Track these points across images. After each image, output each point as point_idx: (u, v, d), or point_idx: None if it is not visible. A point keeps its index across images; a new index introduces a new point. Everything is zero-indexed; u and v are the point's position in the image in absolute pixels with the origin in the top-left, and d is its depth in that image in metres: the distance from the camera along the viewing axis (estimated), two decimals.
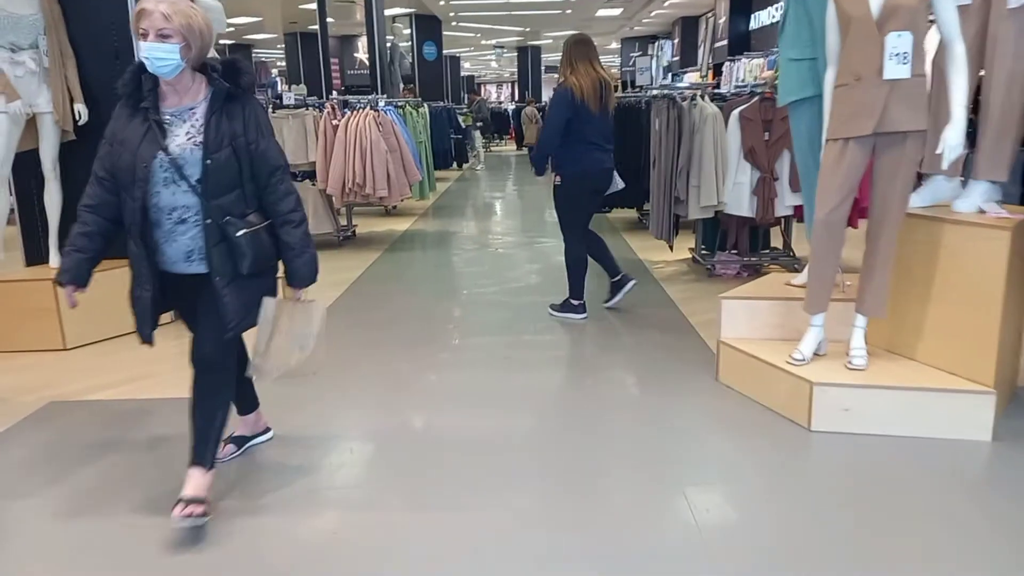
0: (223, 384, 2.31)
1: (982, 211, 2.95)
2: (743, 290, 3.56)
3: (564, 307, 4.45)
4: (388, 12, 14.69)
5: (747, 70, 11.60)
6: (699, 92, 5.25)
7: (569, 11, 17.97)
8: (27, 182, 4.27)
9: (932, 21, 2.77)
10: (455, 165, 13.62)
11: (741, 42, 14.20)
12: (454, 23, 19.30)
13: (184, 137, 2.13)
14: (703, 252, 5.57)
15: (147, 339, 2.29)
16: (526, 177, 4.34)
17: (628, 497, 2.42)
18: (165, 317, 2.42)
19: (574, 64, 4.13)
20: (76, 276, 2.20)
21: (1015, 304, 2.88)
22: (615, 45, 26.25)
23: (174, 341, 3.27)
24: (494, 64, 32.74)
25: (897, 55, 2.65)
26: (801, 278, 3.45)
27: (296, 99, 7.04)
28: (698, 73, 14.06)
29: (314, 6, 12.82)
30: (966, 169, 3.11)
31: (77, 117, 4.07)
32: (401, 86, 13.15)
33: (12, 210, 4.26)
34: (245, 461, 2.69)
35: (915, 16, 2.65)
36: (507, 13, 18.13)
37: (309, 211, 6.53)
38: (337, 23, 18.15)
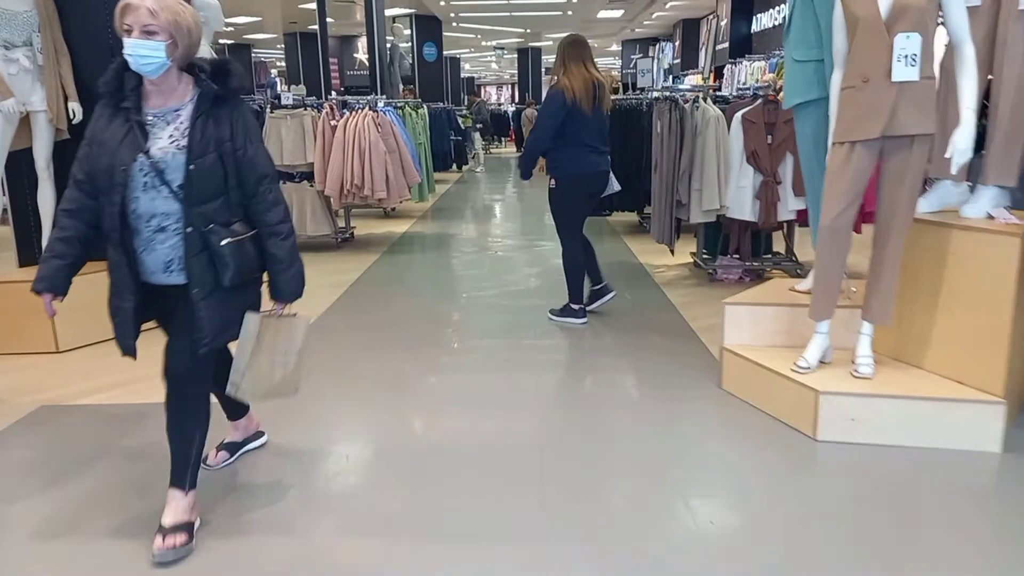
0: (198, 401, 2.19)
1: (991, 217, 2.89)
2: (747, 296, 3.50)
3: (564, 312, 4.39)
4: (388, 12, 14.65)
5: (748, 73, 11.56)
6: (701, 94, 5.20)
7: (570, 12, 17.94)
8: (20, 182, 4.21)
9: (941, 23, 2.72)
10: (455, 167, 13.56)
11: (743, 45, 14.17)
12: (454, 24, 19.27)
13: (167, 140, 2.02)
14: (704, 256, 5.52)
15: (129, 351, 2.16)
16: (529, 180, 4.31)
17: (629, 505, 2.36)
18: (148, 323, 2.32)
19: (567, 65, 4.09)
20: (53, 284, 2.09)
21: None
22: (616, 47, 26.24)
23: None
24: (494, 66, 32.72)
25: (905, 57, 2.60)
26: (806, 284, 3.39)
27: (295, 99, 6.98)
28: (700, 75, 14.01)
29: (314, 6, 12.78)
30: (974, 174, 3.05)
31: (71, 116, 4.01)
32: (401, 87, 13.11)
33: (5, 210, 4.21)
34: (238, 469, 2.63)
35: (924, 17, 2.60)
36: (508, 14, 18.10)
37: (307, 212, 6.48)
38: (337, 23, 18.12)
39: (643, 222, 7.50)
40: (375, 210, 8.60)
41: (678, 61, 19.70)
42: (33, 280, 2.09)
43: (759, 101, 4.88)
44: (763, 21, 13.78)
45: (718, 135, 4.92)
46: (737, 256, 5.33)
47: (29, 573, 2.07)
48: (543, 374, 3.62)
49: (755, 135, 4.80)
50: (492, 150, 20.89)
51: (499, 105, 29.31)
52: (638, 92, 9.84)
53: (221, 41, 21.45)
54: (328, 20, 13.07)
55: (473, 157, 15.27)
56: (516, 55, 25.76)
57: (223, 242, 2.04)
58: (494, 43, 23.71)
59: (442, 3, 16.13)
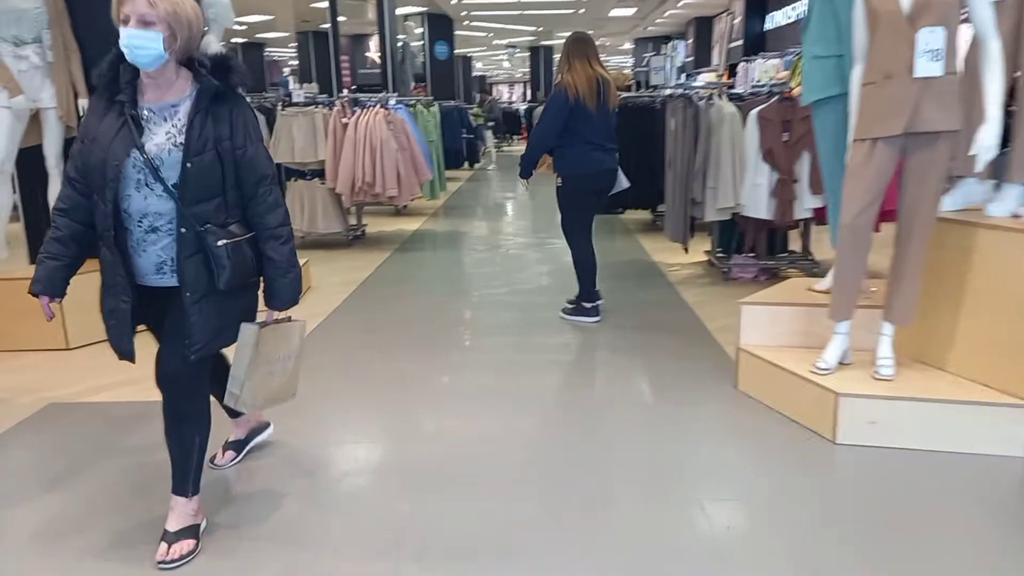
0: (196, 407, 2.11)
1: (1016, 216, 2.82)
2: (764, 295, 3.43)
3: (576, 311, 4.34)
4: (400, 11, 14.63)
5: (762, 71, 11.44)
6: (716, 91, 5.13)
7: (582, 11, 17.86)
8: (31, 179, 4.20)
9: (965, 18, 2.64)
10: (467, 165, 13.53)
11: (756, 42, 14.04)
12: (466, 22, 19.23)
13: (163, 136, 1.93)
14: (719, 255, 5.44)
15: (128, 355, 2.06)
16: (537, 178, 4.26)
17: (643, 510, 2.31)
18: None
19: (571, 63, 4.05)
20: (49, 286, 2.02)
21: None
22: (628, 45, 26.11)
23: None
24: (506, 64, 32.65)
25: (929, 52, 2.53)
26: (824, 283, 3.32)
27: (306, 96, 6.96)
28: (714, 73, 13.90)
29: (326, 4, 12.77)
30: (998, 171, 2.97)
31: (81, 113, 3.99)
32: (412, 84, 13.08)
33: (15, 207, 4.20)
34: (241, 471, 2.59)
35: (948, 11, 2.53)
36: (519, 12, 18.04)
37: (318, 210, 6.46)
38: (349, 22, 18.12)
39: (656, 220, 7.43)
40: (386, 208, 8.58)
41: (691, 59, 19.58)
42: (31, 281, 2.05)
43: (775, 98, 4.80)
44: (777, 19, 13.65)
45: (733, 132, 4.84)
46: (752, 255, 5.25)
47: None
48: (554, 374, 3.57)
49: (771, 133, 4.72)
50: (504, 148, 20.85)
51: (510, 103, 29.25)
52: (650, 90, 9.76)
53: (234, 40, 21.52)
54: (340, 18, 13.05)
55: (485, 155, 15.23)
56: (528, 54, 25.70)
57: (220, 243, 1.94)
58: (506, 42, 23.65)
59: (454, 1, 16.08)
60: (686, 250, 5.39)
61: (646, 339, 3.99)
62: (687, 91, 5.43)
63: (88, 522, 2.27)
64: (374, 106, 6.41)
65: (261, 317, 2.14)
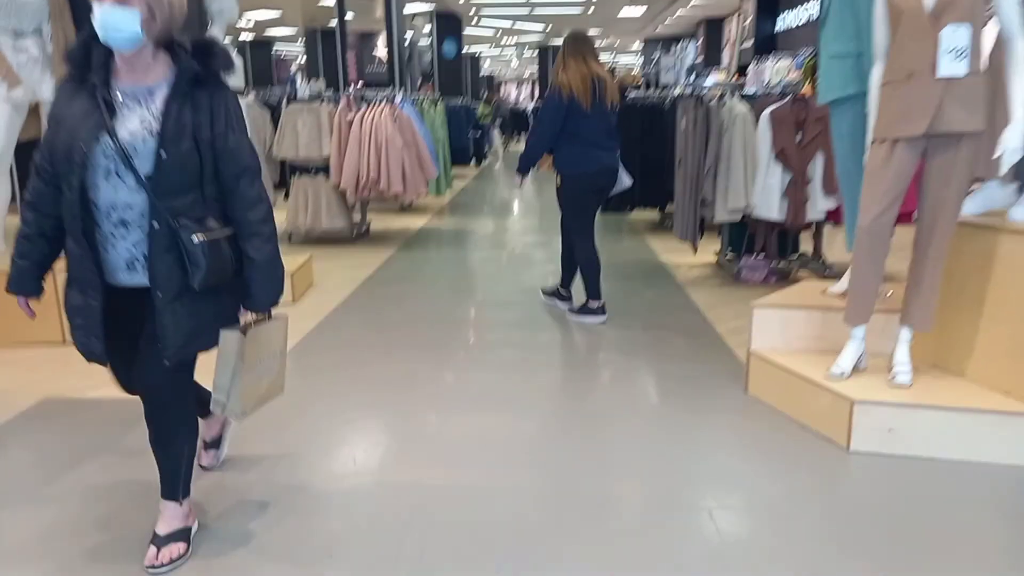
0: (181, 413, 2.01)
1: None
2: (776, 298, 3.35)
3: (582, 311, 4.27)
4: (409, 9, 14.57)
5: (773, 71, 11.33)
6: (728, 90, 5.04)
7: (591, 10, 17.77)
8: (30, 172, 4.14)
9: (990, 15, 2.56)
10: (473, 162, 13.46)
11: (767, 43, 13.92)
12: (474, 21, 19.16)
13: (138, 123, 1.78)
14: (729, 256, 5.36)
15: (97, 356, 1.92)
16: (543, 175, 4.21)
17: (651, 516, 2.24)
18: None
19: (566, 61, 4.01)
20: (22, 286, 1.91)
21: None
22: (638, 46, 26.00)
23: None
24: (514, 63, 32.58)
25: (953, 50, 2.44)
26: (839, 287, 3.24)
27: (311, 92, 6.90)
28: (725, 72, 13.80)
29: (334, 2, 12.72)
30: (1022, 174, 2.89)
31: None
32: (419, 81, 13.02)
33: (14, 200, 4.15)
34: (239, 469, 2.53)
35: (974, 7, 2.44)
36: (528, 12, 17.96)
37: (323, 206, 6.39)
38: (357, 19, 18.07)
39: (665, 220, 7.34)
40: (391, 204, 8.52)
41: (701, 59, 19.47)
42: (7, 280, 1.93)
43: (788, 98, 4.72)
44: (788, 19, 13.52)
45: (745, 132, 4.76)
46: (763, 256, 5.16)
47: None
48: (559, 376, 3.50)
49: (784, 133, 4.63)
50: (511, 147, 20.78)
51: (517, 103, 29.17)
52: (660, 90, 9.66)
53: (242, 38, 21.50)
54: (348, 16, 12.99)
55: (491, 153, 15.17)
56: (536, 53, 25.61)
57: (195, 239, 1.79)
58: (514, 40, 23.58)
59: (462, 0, 16.02)
60: (695, 251, 5.31)
61: (654, 341, 3.91)
62: (698, 90, 5.35)
63: (79, 522, 2.21)
64: (380, 103, 6.35)
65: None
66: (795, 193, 4.66)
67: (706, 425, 2.91)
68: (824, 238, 5.25)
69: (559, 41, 4.25)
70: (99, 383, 3.30)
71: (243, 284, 1.93)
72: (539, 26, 20.76)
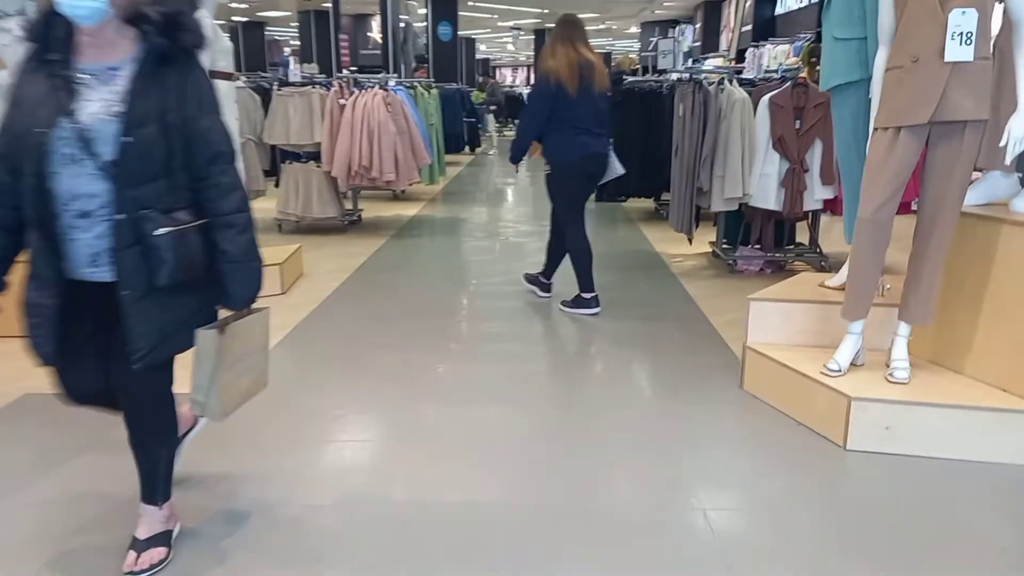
0: (159, 415, 1.92)
1: None
2: (773, 291, 3.28)
3: (576, 302, 4.20)
4: None
5: (771, 56, 11.22)
6: (727, 76, 4.95)
7: None
8: None
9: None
10: (467, 149, 13.33)
11: (766, 27, 13.78)
12: (470, 3, 18.93)
13: (99, 104, 1.64)
14: (724, 246, 5.29)
15: (50, 359, 1.79)
16: (539, 163, 4.14)
17: (643, 514, 2.19)
18: None
19: (555, 48, 3.93)
20: None
21: None
22: (635, 29, 25.77)
23: None
24: (510, 47, 32.29)
25: (960, 35, 2.36)
26: (837, 280, 3.17)
27: (303, 76, 6.78)
28: (723, 58, 13.65)
29: None
30: None
31: None
32: (413, 65, 12.86)
33: None
34: (225, 466, 2.46)
35: None
36: None
37: (313, 194, 6.29)
38: (351, 1, 17.85)
39: (660, 209, 7.26)
40: (383, 192, 8.42)
41: (699, 44, 19.28)
42: None
43: (787, 84, 4.63)
44: (788, 3, 13.37)
45: (743, 119, 4.67)
46: (759, 247, 5.09)
47: None
48: (552, 368, 3.44)
49: (782, 120, 4.55)
50: (506, 133, 20.62)
51: (512, 87, 28.93)
52: (657, 74, 9.54)
53: (234, 18, 21.22)
54: None
55: (486, 139, 15.03)
56: (533, 36, 25.36)
57: (158, 232, 1.66)
58: (511, 23, 23.34)
59: None
60: (690, 241, 5.24)
61: (648, 333, 3.85)
62: (696, 75, 5.25)
63: (61, 524, 2.14)
64: (373, 87, 6.23)
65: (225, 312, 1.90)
66: (793, 182, 4.58)
67: (701, 422, 2.85)
68: (820, 228, 5.18)
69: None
70: None
71: (219, 279, 1.81)
72: (536, 9, 20.53)
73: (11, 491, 2.33)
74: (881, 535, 2.10)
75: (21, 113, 1.66)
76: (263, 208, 6.61)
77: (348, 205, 6.86)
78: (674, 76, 6.63)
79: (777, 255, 5.09)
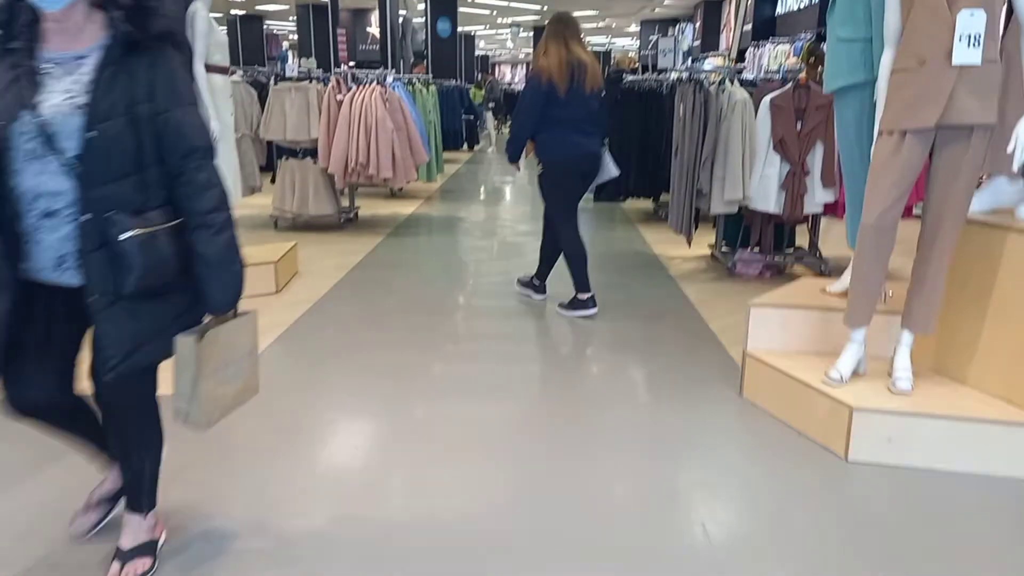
0: (142, 422, 1.83)
1: None
2: (774, 296, 3.23)
3: (572, 304, 4.14)
4: None
5: (772, 56, 11.17)
6: (728, 76, 4.89)
7: None
8: None
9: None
10: (466, 147, 13.26)
11: (767, 27, 13.71)
12: (469, 0, 18.84)
13: (61, 95, 1.54)
14: (724, 249, 5.23)
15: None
16: (533, 163, 4.11)
17: (639, 527, 2.13)
18: None
19: (547, 46, 3.91)
20: None
21: None
22: (634, 28, 25.69)
23: None
24: (509, 44, 32.19)
25: (968, 36, 2.31)
26: (839, 286, 3.12)
27: (300, 71, 6.71)
28: (723, 57, 13.59)
29: None
30: None
31: None
32: (412, 61, 12.77)
33: None
34: (215, 465, 2.40)
35: None
36: None
37: (310, 191, 6.22)
38: None
39: (659, 210, 7.21)
40: (381, 189, 8.34)
41: (698, 43, 19.22)
42: None
43: (789, 85, 4.57)
44: (789, 2, 13.31)
45: (744, 120, 4.61)
46: (758, 250, 5.04)
47: None
48: (547, 371, 3.38)
49: (784, 121, 4.50)
50: (504, 130, 20.55)
51: (510, 84, 28.84)
52: (657, 73, 9.48)
53: (233, 12, 21.10)
54: None
55: (484, 136, 14.95)
56: (532, 33, 25.27)
57: (124, 236, 1.54)
58: (510, 20, 23.25)
59: None
60: (689, 243, 5.18)
61: (645, 337, 3.79)
62: (697, 75, 5.19)
63: (37, 532, 2.07)
64: (371, 83, 6.16)
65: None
66: (793, 185, 4.53)
67: (699, 430, 2.80)
68: (820, 232, 5.13)
69: None
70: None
71: (197, 283, 1.70)
72: (535, 6, 20.44)
73: None
74: (882, 549, 2.05)
75: None
76: (259, 204, 6.55)
77: (345, 202, 6.79)
78: (674, 75, 6.56)
79: (776, 258, 5.04)
